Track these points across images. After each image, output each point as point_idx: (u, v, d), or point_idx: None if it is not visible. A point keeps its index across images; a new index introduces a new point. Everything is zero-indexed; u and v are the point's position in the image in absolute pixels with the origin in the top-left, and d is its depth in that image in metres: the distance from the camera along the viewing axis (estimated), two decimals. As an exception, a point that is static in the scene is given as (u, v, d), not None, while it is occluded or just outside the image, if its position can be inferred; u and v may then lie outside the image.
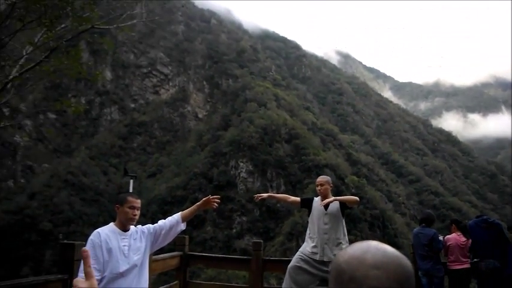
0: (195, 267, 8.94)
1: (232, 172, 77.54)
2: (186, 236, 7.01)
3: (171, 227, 3.55)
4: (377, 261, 0.84)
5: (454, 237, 6.81)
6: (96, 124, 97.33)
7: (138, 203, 3.44)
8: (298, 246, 5.36)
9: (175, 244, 6.78)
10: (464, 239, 6.78)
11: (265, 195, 5.45)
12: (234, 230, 69.43)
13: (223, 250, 60.02)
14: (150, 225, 3.57)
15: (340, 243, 5.00)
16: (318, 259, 4.96)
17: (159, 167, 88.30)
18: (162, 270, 6.41)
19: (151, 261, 4.45)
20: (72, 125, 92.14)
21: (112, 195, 70.90)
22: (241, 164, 77.94)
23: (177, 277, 6.66)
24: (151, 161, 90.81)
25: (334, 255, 4.93)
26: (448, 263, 6.77)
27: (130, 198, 3.42)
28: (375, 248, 0.89)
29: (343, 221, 5.14)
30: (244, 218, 70.47)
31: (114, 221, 3.49)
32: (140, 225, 3.54)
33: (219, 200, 3.72)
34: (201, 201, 3.68)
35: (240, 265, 7.81)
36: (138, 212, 3.44)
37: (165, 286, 6.46)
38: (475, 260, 6.54)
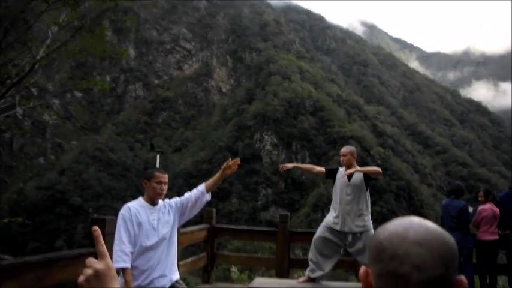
0: (221, 239, 9.12)
1: (257, 145, 77.85)
2: (213, 209, 7.11)
3: (196, 199, 3.59)
4: (420, 239, 0.80)
5: (490, 208, 6.67)
6: (122, 101, 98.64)
7: (165, 178, 3.48)
8: (324, 218, 5.35)
9: (202, 217, 6.89)
10: (497, 209, 6.66)
11: (290, 165, 5.41)
12: (260, 202, 70.15)
13: (248, 222, 60.78)
14: (177, 198, 3.62)
15: (362, 214, 4.95)
16: (338, 229, 4.96)
17: (184, 141, 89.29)
18: (191, 242, 6.55)
19: (179, 234, 4.54)
20: (98, 103, 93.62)
21: (139, 170, 72.32)
22: (266, 137, 78.09)
23: (205, 249, 6.80)
24: (177, 135, 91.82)
25: (356, 226, 4.92)
26: (479, 233, 6.67)
27: (157, 174, 3.46)
28: (417, 224, 0.83)
29: (367, 192, 5.07)
30: (269, 190, 71.04)
31: (141, 195, 3.56)
32: (168, 199, 3.60)
33: (239, 162, 3.71)
34: (222, 168, 3.68)
35: (267, 237, 7.92)
36: (165, 187, 3.48)
37: (193, 258, 6.62)
38: (506, 232, 6.45)
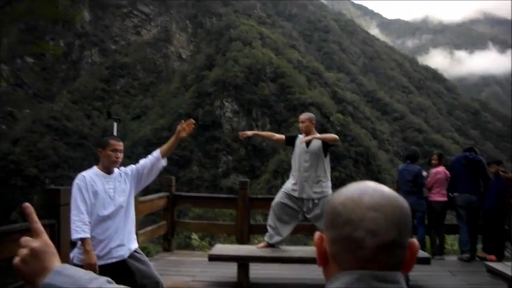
0: (182, 207, 9.09)
1: (217, 112, 77.38)
2: (173, 177, 7.06)
3: (152, 165, 3.53)
4: (375, 203, 0.79)
5: (443, 171, 7.00)
6: (77, 67, 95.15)
7: (120, 145, 3.40)
8: (283, 184, 5.41)
9: (161, 185, 6.84)
10: (449, 173, 6.98)
11: (250, 132, 5.42)
12: (220, 169, 70.36)
13: (209, 189, 61.00)
14: (133, 166, 3.56)
15: (320, 181, 5.02)
16: (297, 196, 5.03)
17: (143, 108, 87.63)
18: (150, 211, 6.50)
19: (138, 203, 4.49)
20: (52, 69, 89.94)
21: (96, 138, 70.46)
22: (227, 103, 77.69)
23: (165, 217, 6.78)
24: (135, 103, 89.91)
25: (314, 192, 4.99)
26: (431, 195, 6.98)
27: (112, 142, 3.39)
28: (372, 189, 0.82)
29: (326, 159, 5.13)
30: (230, 157, 71.25)
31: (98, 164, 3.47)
32: (123, 167, 3.53)
33: (193, 122, 3.64)
34: (176, 131, 3.61)
35: (227, 204, 7.97)
36: (121, 155, 3.41)
37: (153, 226, 6.59)
38: (455, 194, 6.79)
